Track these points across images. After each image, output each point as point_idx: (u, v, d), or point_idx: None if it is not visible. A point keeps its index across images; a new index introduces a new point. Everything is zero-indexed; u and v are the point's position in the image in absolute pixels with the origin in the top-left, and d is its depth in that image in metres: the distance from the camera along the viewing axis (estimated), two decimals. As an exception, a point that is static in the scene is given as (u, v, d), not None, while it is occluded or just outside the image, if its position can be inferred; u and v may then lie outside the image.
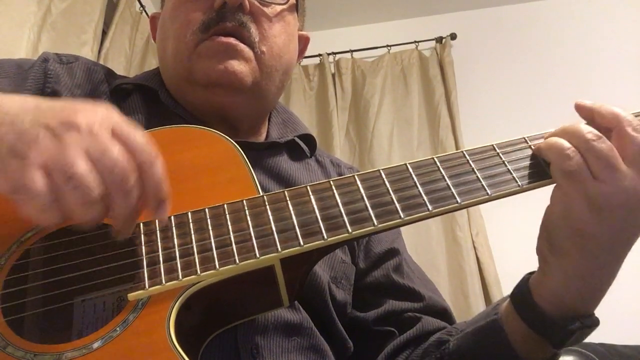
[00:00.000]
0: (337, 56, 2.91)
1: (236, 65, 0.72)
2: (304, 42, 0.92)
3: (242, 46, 0.73)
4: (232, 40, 0.73)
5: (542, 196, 0.57)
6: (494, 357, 0.60)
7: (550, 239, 0.56)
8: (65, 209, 0.43)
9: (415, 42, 2.86)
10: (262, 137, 0.85)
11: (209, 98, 0.75)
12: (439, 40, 2.85)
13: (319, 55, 2.89)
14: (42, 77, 0.72)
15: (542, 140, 0.58)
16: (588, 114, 0.56)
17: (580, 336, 0.55)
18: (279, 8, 0.79)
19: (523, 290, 0.58)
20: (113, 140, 0.44)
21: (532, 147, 0.58)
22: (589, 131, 0.52)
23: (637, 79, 2.51)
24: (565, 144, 0.53)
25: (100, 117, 0.45)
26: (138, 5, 2.46)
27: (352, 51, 2.89)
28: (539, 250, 0.58)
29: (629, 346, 1.54)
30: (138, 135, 0.46)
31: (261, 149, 0.79)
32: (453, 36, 2.83)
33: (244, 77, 0.73)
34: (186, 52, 0.74)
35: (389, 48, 2.87)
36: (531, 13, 2.86)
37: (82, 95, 0.74)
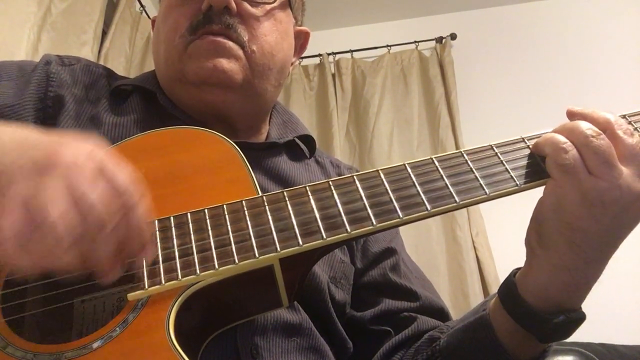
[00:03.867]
0: (337, 56, 2.91)
1: (225, 64, 0.73)
2: (303, 37, 0.91)
3: (230, 44, 0.73)
4: (220, 38, 0.73)
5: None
6: (482, 353, 0.61)
7: (539, 230, 0.56)
8: (34, 255, 0.41)
9: (415, 42, 2.86)
10: (262, 138, 0.85)
11: (202, 97, 0.76)
12: (439, 40, 2.85)
13: (319, 55, 2.89)
14: (44, 81, 0.72)
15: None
16: (580, 120, 0.56)
17: (566, 331, 0.56)
18: (268, 7, 0.79)
19: (509, 285, 0.59)
20: (96, 179, 0.43)
21: (530, 146, 0.58)
22: (589, 127, 0.53)
23: (637, 78, 2.51)
24: (562, 138, 0.54)
25: (86, 152, 0.44)
26: (138, 5, 2.46)
27: (352, 51, 2.89)
28: (528, 242, 0.58)
29: (629, 346, 1.54)
30: (123, 174, 0.45)
31: (260, 150, 0.79)
32: (453, 36, 2.83)
33: (233, 74, 0.73)
34: (176, 54, 0.75)
35: (389, 48, 2.87)
36: (531, 13, 2.86)
37: (83, 97, 0.74)
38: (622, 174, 0.51)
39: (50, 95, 0.71)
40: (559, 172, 0.53)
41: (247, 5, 0.76)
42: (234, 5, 0.74)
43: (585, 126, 0.53)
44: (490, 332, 0.59)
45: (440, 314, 0.78)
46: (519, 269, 0.60)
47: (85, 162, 0.43)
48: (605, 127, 0.54)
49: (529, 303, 0.56)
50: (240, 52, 0.74)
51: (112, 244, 0.44)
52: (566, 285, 0.55)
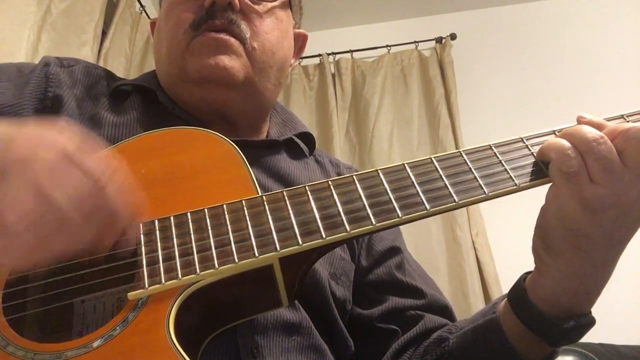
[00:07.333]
0: (337, 56, 2.91)
1: (227, 61, 0.73)
2: (301, 39, 0.92)
3: (232, 41, 0.74)
4: (222, 35, 0.74)
5: (542, 196, 0.57)
6: (493, 355, 0.61)
7: (544, 238, 0.56)
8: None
9: (415, 42, 2.86)
10: (263, 136, 0.86)
11: (203, 95, 0.76)
12: (439, 40, 2.86)
13: (319, 55, 2.89)
14: (44, 82, 0.72)
15: (538, 140, 0.58)
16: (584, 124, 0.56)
17: (576, 335, 0.56)
18: (270, 5, 0.80)
19: (519, 291, 0.59)
20: (56, 168, 0.43)
21: (529, 146, 0.58)
22: (590, 132, 0.53)
23: (637, 79, 2.51)
24: (567, 144, 0.53)
25: (47, 141, 0.43)
26: (138, 5, 2.46)
27: (352, 51, 2.89)
28: (534, 250, 0.58)
29: (629, 346, 1.55)
30: (88, 158, 0.45)
31: (260, 148, 0.80)
32: (453, 36, 2.83)
33: (235, 72, 0.74)
34: (179, 51, 0.75)
35: (389, 48, 2.87)
36: (531, 13, 2.86)
37: (83, 97, 0.75)
38: (622, 179, 0.51)
39: (49, 96, 0.71)
40: (562, 178, 0.52)
41: (249, 3, 0.77)
42: (236, 1, 0.74)
43: (587, 130, 0.53)
44: (501, 335, 0.59)
45: (445, 311, 0.78)
46: (527, 273, 0.60)
47: (44, 152, 0.42)
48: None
49: (539, 309, 0.56)
50: (241, 49, 0.75)
51: (97, 220, 0.44)
52: (576, 290, 0.55)
